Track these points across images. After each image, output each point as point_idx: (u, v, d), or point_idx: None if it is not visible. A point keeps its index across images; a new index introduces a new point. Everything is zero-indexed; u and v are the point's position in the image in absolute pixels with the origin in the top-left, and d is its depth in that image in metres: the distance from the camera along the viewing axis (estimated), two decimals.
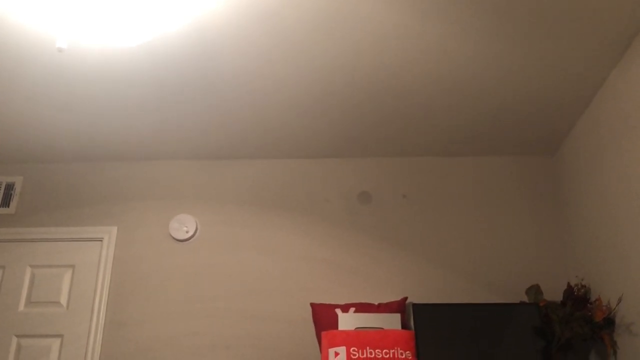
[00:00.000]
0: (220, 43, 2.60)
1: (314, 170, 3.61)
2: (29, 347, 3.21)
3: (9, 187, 3.60)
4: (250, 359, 3.15)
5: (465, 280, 3.28)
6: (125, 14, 2.19)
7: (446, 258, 3.34)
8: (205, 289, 3.32)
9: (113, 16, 2.18)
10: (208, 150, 3.56)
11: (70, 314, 3.29)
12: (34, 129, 3.30)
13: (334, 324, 2.99)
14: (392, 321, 2.96)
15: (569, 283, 3.03)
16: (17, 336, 3.24)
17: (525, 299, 3.19)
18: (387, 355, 2.77)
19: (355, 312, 3.05)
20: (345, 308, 3.07)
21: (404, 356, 2.78)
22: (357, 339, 2.81)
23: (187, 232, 3.42)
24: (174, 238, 3.44)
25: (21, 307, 3.31)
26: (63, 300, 3.33)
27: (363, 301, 3.24)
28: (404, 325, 3.01)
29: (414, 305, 2.95)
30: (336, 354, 2.79)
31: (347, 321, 2.96)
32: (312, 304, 3.13)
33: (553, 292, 3.20)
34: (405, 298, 3.14)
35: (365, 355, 2.77)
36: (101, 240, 3.45)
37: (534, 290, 3.05)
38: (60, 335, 3.25)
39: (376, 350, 2.78)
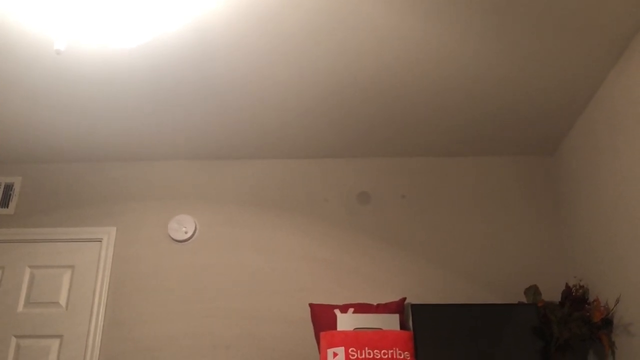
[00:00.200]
0: (220, 44, 2.60)
1: (313, 170, 3.61)
2: (28, 348, 3.21)
3: (8, 188, 3.61)
4: (249, 359, 3.15)
5: (463, 281, 3.28)
6: (124, 15, 2.19)
7: (445, 258, 3.34)
8: (205, 289, 3.32)
9: (112, 18, 2.18)
10: (207, 151, 3.56)
11: (70, 315, 3.29)
12: (33, 129, 3.30)
13: (333, 324, 3.00)
14: (390, 322, 2.96)
15: (567, 284, 3.04)
16: (17, 337, 3.24)
17: (523, 299, 3.19)
18: (386, 356, 2.77)
19: (354, 312, 3.05)
20: (344, 308, 3.08)
21: (402, 357, 2.78)
22: (356, 340, 2.81)
23: (186, 232, 3.43)
24: (173, 238, 3.44)
25: (20, 308, 3.32)
26: (62, 300, 3.33)
27: (362, 301, 3.24)
28: (403, 326, 3.01)
29: (413, 305, 2.96)
30: (335, 354, 2.80)
31: (345, 321, 2.97)
32: (311, 304, 3.14)
33: (551, 293, 3.20)
34: (404, 298, 3.15)
35: (363, 356, 2.77)
36: (100, 241, 3.46)
37: (533, 290, 3.05)
38: (60, 336, 3.25)
39: (375, 351, 2.78)
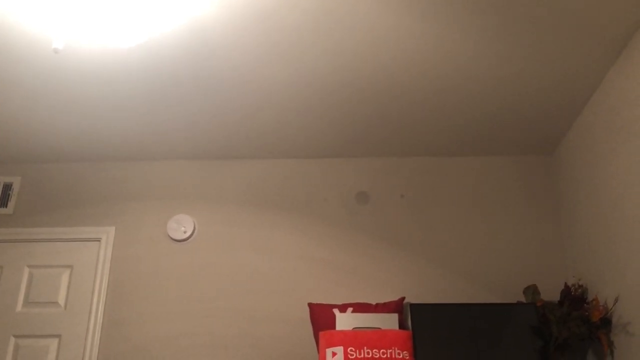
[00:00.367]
0: (218, 43, 2.60)
1: (312, 170, 3.61)
2: (27, 348, 3.21)
3: (7, 187, 3.60)
4: (248, 358, 3.15)
5: (462, 280, 3.28)
6: (122, 14, 2.19)
7: (444, 258, 3.34)
8: (203, 289, 3.32)
9: (110, 17, 2.18)
10: (206, 150, 3.56)
11: (68, 314, 3.29)
12: (32, 129, 3.30)
13: (332, 324, 3.00)
14: (389, 321, 2.96)
15: (566, 283, 3.04)
16: (15, 336, 3.24)
17: (522, 299, 3.19)
18: (385, 355, 2.77)
19: (352, 312, 3.05)
20: (343, 308, 3.08)
21: (401, 356, 2.78)
22: (355, 339, 2.81)
23: (185, 232, 3.43)
24: (172, 238, 3.44)
25: (19, 308, 3.31)
26: (61, 300, 3.33)
27: (361, 301, 3.24)
28: (402, 325, 3.01)
29: (412, 305, 2.96)
30: (334, 354, 2.80)
31: (344, 321, 2.97)
32: (309, 304, 3.14)
33: (550, 292, 3.20)
34: (403, 298, 3.15)
35: (362, 355, 2.77)
36: (99, 241, 3.45)
37: (532, 290, 3.05)
38: (58, 336, 3.25)
39: (373, 350, 2.78)
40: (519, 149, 3.51)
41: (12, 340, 3.23)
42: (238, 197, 3.55)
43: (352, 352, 2.78)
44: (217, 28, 2.50)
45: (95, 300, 3.29)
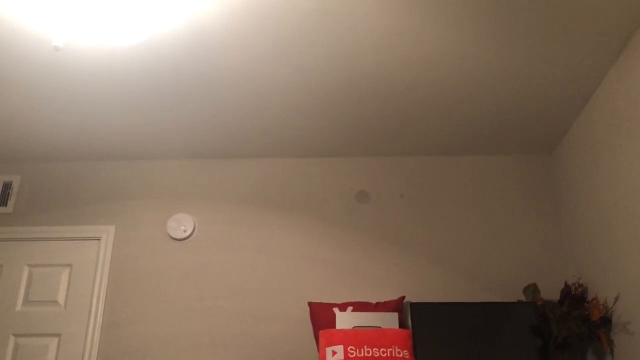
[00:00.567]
0: (218, 42, 2.60)
1: (312, 169, 3.61)
2: (27, 346, 3.21)
3: (7, 186, 3.60)
4: (248, 358, 3.15)
5: (462, 279, 3.28)
6: (123, 13, 2.19)
7: (444, 257, 3.34)
8: (203, 288, 3.32)
9: (110, 15, 2.18)
10: (206, 150, 3.56)
11: (68, 313, 3.29)
12: (31, 128, 3.30)
13: (332, 322, 3.00)
14: (389, 320, 2.96)
15: (566, 282, 3.04)
16: (15, 335, 3.24)
17: (522, 298, 3.19)
18: (385, 354, 2.77)
19: (352, 311, 3.05)
20: (343, 307, 3.08)
21: (401, 355, 2.78)
22: (355, 338, 2.81)
23: (184, 231, 3.42)
24: (171, 237, 3.44)
25: (19, 306, 3.31)
26: (61, 299, 3.33)
27: (361, 300, 3.24)
28: (402, 324, 3.01)
29: (412, 304, 2.96)
30: (334, 352, 2.79)
31: (344, 320, 2.97)
32: (309, 303, 3.13)
33: (550, 291, 3.20)
34: (403, 297, 3.15)
35: (362, 354, 2.77)
36: (99, 239, 3.45)
37: (532, 289, 3.06)
38: (58, 335, 3.25)
39: (374, 349, 2.78)
40: (519, 148, 3.51)
41: (12, 339, 3.23)
42: (238, 196, 3.55)
43: (352, 351, 2.78)
44: (217, 27, 2.50)
45: (95, 299, 3.29)
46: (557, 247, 3.33)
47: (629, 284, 2.59)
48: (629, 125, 2.59)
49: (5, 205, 3.55)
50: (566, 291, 2.96)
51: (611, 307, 2.74)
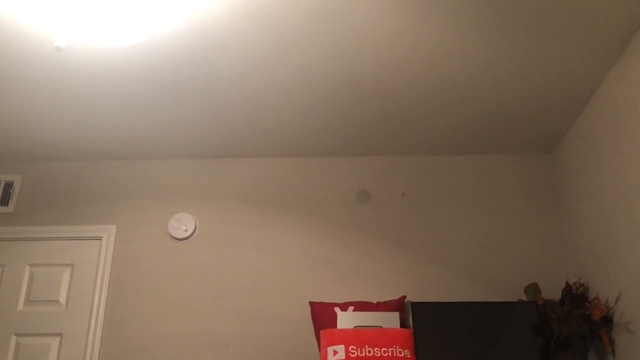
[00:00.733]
0: (219, 42, 2.60)
1: (313, 168, 3.61)
2: (28, 346, 3.21)
3: (8, 186, 3.60)
4: (249, 357, 3.15)
5: (463, 279, 3.28)
6: (123, 13, 2.19)
7: (445, 257, 3.34)
8: (204, 288, 3.32)
9: (111, 15, 2.18)
10: (207, 149, 3.56)
11: (69, 313, 3.29)
12: (32, 127, 3.30)
13: (333, 322, 3.00)
14: (390, 320, 2.96)
15: (567, 281, 3.04)
16: (17, 335, 3.24)
17: (523, 297, 3.19)
18: (386, 354, 2.77)
19: (354, 310, 3.05)
20: (344, 307, 3.08)
21: (402, 355, 2.78)
22: (356, 338, 2.81)
23: (186, 230, 3.42)
24: (172, 237, 3.44)
25: (20, 306, 3.31)
26: (62, 299, 3.33)
27: (362, 300, 3.24)
28: (403, 324, 3.01)
29: (413, 303, 2.96)
30: (335, 352, 2.80)
31: (345, 320, 2.97)
32: (311, 303, 3.13)
33: (551, 291, 3.20)
34: (404, 297, 3.14)
35: (364, 354, 2.77)
36: (100, 239, 3.45)
37: (533, 288, 3.05)
38: (59, 334, 3.25)
39: (375, 349, 2.78)
40: (519, 147, 3.51)
41: (14, 338, 3.23)
42: (239, 195, 3.55)
43: (353, 351, 2.78)
44: (218, 27, 2.50)
45: (96, 298, 3.29)
46: (558, 246, 3.33)
47: (630, 283, 2.59)
48: (630, 125, 2.59)
49: (7, 205, 3.55)
50: (567, 290, 2.96)
51: (612, 307, 2.74)
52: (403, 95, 2.99)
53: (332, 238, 3.41)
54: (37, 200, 3.58)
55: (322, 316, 3.05)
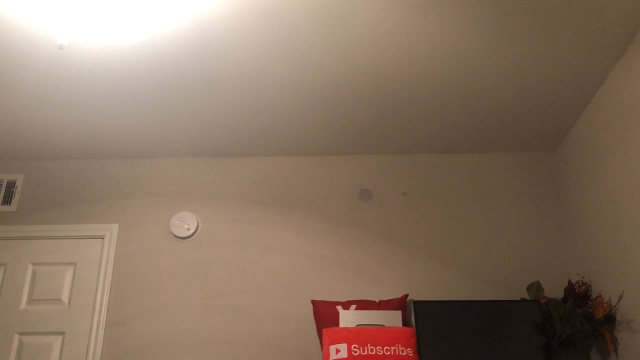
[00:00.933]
0: (221, 41, 2.60)
1: (315, 167, 3.61)
2: (31, 345, 3.22)
3: (11, 185, 3.61)
4: (252, 355, 3.15)
5: (465, 277, 3.28)
6: (126, 11, 2.19)
7: (447, 255, 3.34)
8: (207, 286, 3.32)
9: (114, 13, 2.18)
10: (209, 148, 3.56)
11: (72, 312, 3.30)
12: (35, 126, 3.30)
13: (335, 321, 3.00)
14: (393, 318, 2.96)
15: (569, 280, 3.03)
16: (19, 333, 3.25)
17: (526, 295, 3.19)
18: (388, 352, 2.77)
19: (356, 309, 3.05)
20: (346, 305, 3.08)
21: (405, 353, 2.78)
22: (358, 336, 2.81)
23: (188, 229, 3.43)
24: (175, 235, 3.44)
25: (23, 305, 3.32)
26: (65, 297, 3.33)
27: (364, 298, 3.24)
28: (405, 323, 3.01)
29: (415, 302, 2.95)
30: (337, 350, 2.80)
31: (348, 318, 2.97)
32: (313, 301, 3.13)
33: (554, 289, 3.20)
34: (406, 295, 3.14)
35: (366, 352, 2.77)
36: (102, 238, 3.46)
37: (535, 287, 3.05)
38: (62, 333, 3.25)
39: (377, 347, 2.78)
40: (522, 145, 3.50)
41: (16, 337, 3.24)
42: (241, 194, 3.56)
43: (355, 349, 2.78)
44: (221, 26, 2.50)
45: (98, 297, 3.29)
46: (561, 245, 3.33)
47: (633, 281, 2.59)
48: (633, 123, 2.58)
49: (9, 204, 3.56)
50: (570, 289, 2.96)
51: (615, 305, 2.74)
52: (405, 93, 2.99)
53: (334, 236, 3.42)
54: (39, 199, 3.58)
55: (325, 315, 3.05)
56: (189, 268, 3.37)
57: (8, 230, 3.47)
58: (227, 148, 3.56)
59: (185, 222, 3.44)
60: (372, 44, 2.63)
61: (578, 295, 2.90)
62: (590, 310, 2.80)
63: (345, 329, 2.86)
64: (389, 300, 3.10)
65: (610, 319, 2.76)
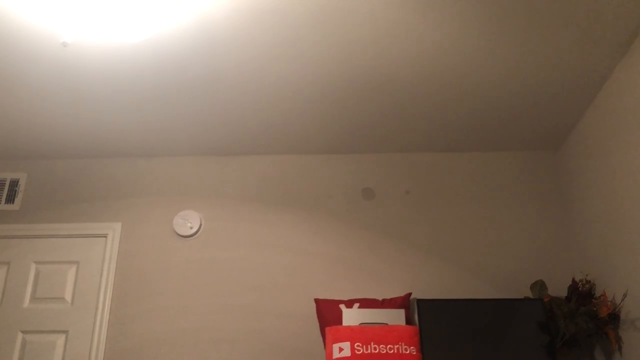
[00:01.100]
0: (224, 40, 2.60)
1: (318, 166, 3.61)
2: (34, 343, 3.22)
3: (14, 184, 3.61)
4: (255, 354, 3.15)
5: (469, 276, 3.27)
6: (129, 9, 2.19)
7: (450, 254, 3.33)
8: (209, 285, 3.32)
9: (117, 12, 2.18)
10: (212, 147, 3.56)
11: (75, 310, 3.30)
12: (38, 125, 3.31)
13: (338, 319, 3.00)
14: (396, 317, 2.95)
15: (573, 278, 3.03)
16: (22, 332, 3.25)
17: (529, 294, 3.18)
18: (392, 351, 2.77)
19: (359, 307, 3.05)
20: (349, 303, 3.08)
21: (408, 352, 2.78)
22: (362, 335, 2.81)
23: (191, 228, 3.43)
24: (178, 234, 3.44)
25: (26, 303, 3.32)
26: (68, 296, 3.34)
27: (367, 297, 3.24)
28: (408, 321, 3.01)
29: (418, 300, 2.95)
30: (340, 349, 2.79)
31: (351, 317, 2.96)
32: (316, 300, 3.13)
33: (558, 288, 3.19)
34: (409, 294, 3.14)
35: (369, 351, 2.77)
36: (105, 237, 3.46)
37: (539, 285, 3.04)
38: (65, 331, 3.26)
39: (380, 346, 2.78)
40: (525, 144, 3.50)
41: (20, 335, 3.24)
42: (244, 193, 3.55)
43: (358, 348, 2.78)
44: (223, 25, 2.50)
45: (101, 296, 3.30)
46: (564, 243, 3.32)
47: (638, 280, 2.58)
48: (636, 122, 2.58)
49: (12, 203, 3.56)
50: (573, 287, 2.95)
51: (619, 304, 2.73)
52: (407, 92, 2.99)
53: (337, 235, 3.41)
54: (42, 197, 3.58)
55: (328, 313, 3.05)
56: (192, 267, 3.37)
57: (11, 229, 3.48)
58: (230, 147, 3.56)
59: (188, 221, 3.44)
60: (374, 43, 2.62)
61: (582, 294, 2.89)
62: (594, 309, 2.80)
63: (348, 327, 2.86)
64: (392, 299, 3.10)
65: (614, 318, 2.75)
